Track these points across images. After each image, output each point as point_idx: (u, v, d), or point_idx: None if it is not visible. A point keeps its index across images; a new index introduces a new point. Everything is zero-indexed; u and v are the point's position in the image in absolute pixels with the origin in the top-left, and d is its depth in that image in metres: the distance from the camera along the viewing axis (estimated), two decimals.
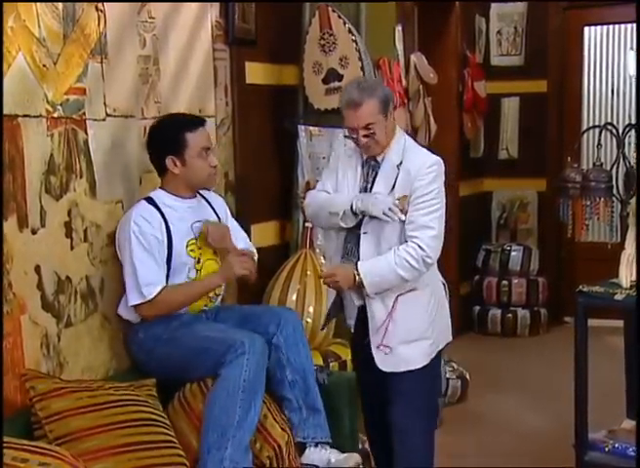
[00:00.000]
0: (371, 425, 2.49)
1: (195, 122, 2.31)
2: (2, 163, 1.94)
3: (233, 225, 2.46)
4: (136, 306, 2.22)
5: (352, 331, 2.42)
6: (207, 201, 2.41)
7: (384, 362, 2.29)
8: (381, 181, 2.27)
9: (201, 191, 2.41)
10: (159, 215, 2.24)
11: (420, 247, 2.19)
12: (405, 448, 2.31)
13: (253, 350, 2.10)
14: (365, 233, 2.27)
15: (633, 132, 3.02)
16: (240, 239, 2.45)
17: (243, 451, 2.08)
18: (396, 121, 2.38)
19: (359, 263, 2.23)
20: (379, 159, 2.29)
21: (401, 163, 2.25)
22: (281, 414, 2.27)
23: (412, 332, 2.28)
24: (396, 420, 2.31)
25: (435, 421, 2.47)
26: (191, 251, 2.28)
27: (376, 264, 2.23)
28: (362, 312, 2.34)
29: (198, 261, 2.30)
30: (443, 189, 2.28)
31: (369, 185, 2.28)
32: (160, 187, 2.33)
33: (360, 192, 2.29)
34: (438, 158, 2.29)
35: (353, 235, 2.30)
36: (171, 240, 2.24)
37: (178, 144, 2.26)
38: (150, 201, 2.27)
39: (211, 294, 2.34)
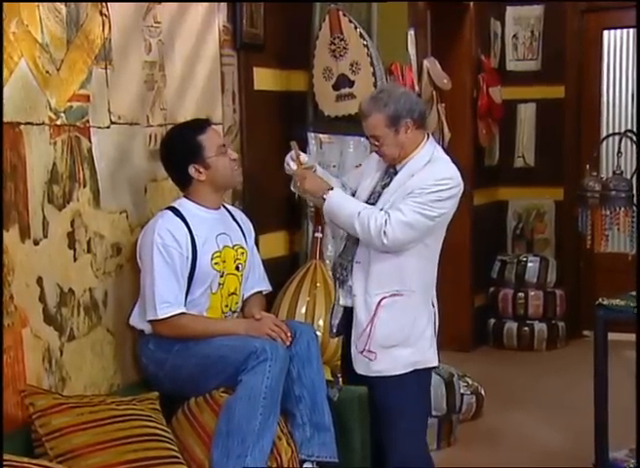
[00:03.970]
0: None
1: (202, 124, 2.30)
2: (2, 172, 1.90)
3: (254, 253, 2.42)
4: (150, 321, 2.19)
5: (334, 331, 2.41)
6: (232, 216, 2.39)
7: (362, 365, 2.28)
8: (391, 190, 2.26)
9: (229, 207, 2.41)
10: (185, 228, 2.20)
11: (386, 221, 2.17)
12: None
13: (276, 357, 2.08)
14: None
15: None
16: (258, 275, 2.41)
17: (264, 460, 2.06)
18: None
19: (335, 188, 2.28)
20: (397, 168, 2.28)
21: (414, 175, 2.23)
22: (288, 428, 2.22)
23: (391, 338, 2.25)
24: (385, 438, 2.29)
25: (424, 442, 2.41)
26: (215, 264, 2.25)
27: (346, 200, 2.27)
28: (347, 316, 2.33)
29: (222, 275, 2.27)
30: (447, 209, 2.20)
31: (380, 191, 2.28)
32: (184, 196, 2.29)
33: (371, 196, 2.30)
34: (455, 175, 2.22)
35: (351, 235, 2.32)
36: (195, 253, 2.20)
37: (195, 150, 2.23)
38: (175, 211, 2.23)
39: (226, 311, 2.31)
